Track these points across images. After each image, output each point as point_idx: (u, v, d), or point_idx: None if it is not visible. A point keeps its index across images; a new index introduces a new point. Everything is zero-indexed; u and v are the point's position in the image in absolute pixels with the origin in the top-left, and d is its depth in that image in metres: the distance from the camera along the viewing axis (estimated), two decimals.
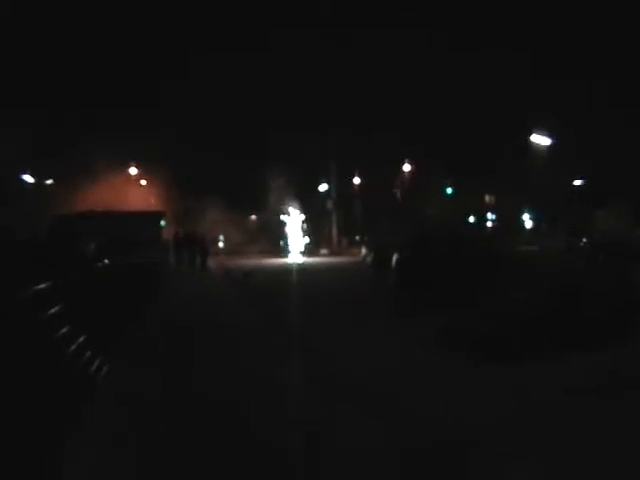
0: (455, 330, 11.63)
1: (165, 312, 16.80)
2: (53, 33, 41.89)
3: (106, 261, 15.42)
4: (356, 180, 57.51)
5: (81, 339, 9.01)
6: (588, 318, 10.78)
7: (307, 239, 52.59)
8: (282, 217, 53.35)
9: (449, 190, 53.67)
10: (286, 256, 48.87)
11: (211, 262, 38.82)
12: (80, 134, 41.25)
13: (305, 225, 53.26)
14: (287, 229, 52.59)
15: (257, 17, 47.23)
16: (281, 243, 52.47)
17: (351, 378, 9.22)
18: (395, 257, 26.93)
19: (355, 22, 45.61)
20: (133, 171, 52.17)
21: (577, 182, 43.03)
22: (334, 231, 55.57)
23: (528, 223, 45.96)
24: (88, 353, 9.08)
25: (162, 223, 33.21)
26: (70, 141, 41.11)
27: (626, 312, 11.09)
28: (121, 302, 12.64)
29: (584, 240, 30.18)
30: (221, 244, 55.92)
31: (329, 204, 56.05)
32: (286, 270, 34.37)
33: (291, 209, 53.30)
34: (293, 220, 52.91)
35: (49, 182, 48.52)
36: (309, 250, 51.27)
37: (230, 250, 53.23)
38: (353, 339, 12.27)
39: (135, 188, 50.37)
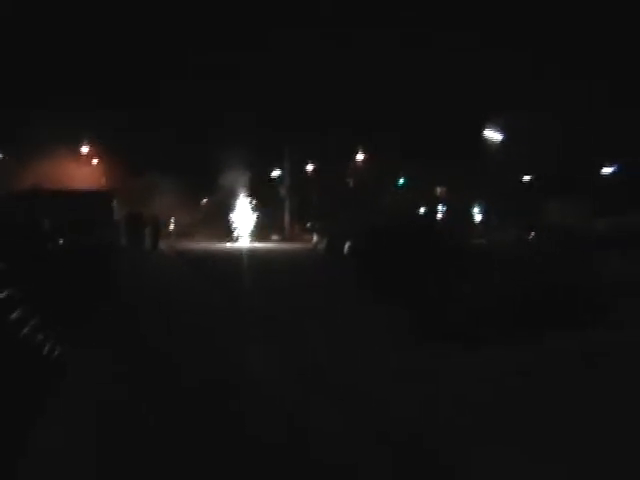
0: (415, 318, 11.87)
1: (123, 292, 16.72)
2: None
3: (61, 241, 15.31)
4: (309, 167, 57.55)
5: (37, 320, 8.96)
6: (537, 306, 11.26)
7: (258, 224, 52.50)
8: (233, 201, 53.13)
9: (401, 180, 54.12)
10: (236, 240, 48.85)
11: (161, 244, 38.64)
12: (32, 111, 40.44)
13: (256, 210, 53.16)
14: (237, 213, 52.42)
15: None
16: (231, 227, 52.25)
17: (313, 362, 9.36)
18: (347, 245, 27.31)
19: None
20: (85, 149, 51.31)
21: (527, 177, 43.86)
22: (287, 217, 55.51)
23: (478, 216, 46.60)
24: (44, 335, 9.03)
25: (113, 203, 32.85)
26: (22, 118, 40.29)
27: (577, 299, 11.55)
28: (79, 280, 12.56)
29: (532, 233, 30.86)
30: (172, 226, 55.48)
31: (282, 190, 55.96)
32: (236, 255, 34.41)
33: (242, 193, 53.17)
34: (244, 205, 52.77)
35: None
36: (260, 235, 51.22)
37: (180, 232, 52.94)
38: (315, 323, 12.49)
39: (86, 167, 49.65)
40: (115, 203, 35.97)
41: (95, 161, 52.05)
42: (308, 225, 52.74)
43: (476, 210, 47.36)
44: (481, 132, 41.84)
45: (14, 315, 8.72)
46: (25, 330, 8.79)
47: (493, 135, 41.48)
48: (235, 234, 50.47)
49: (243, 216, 51.87)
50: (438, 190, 53.49)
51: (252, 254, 35.07)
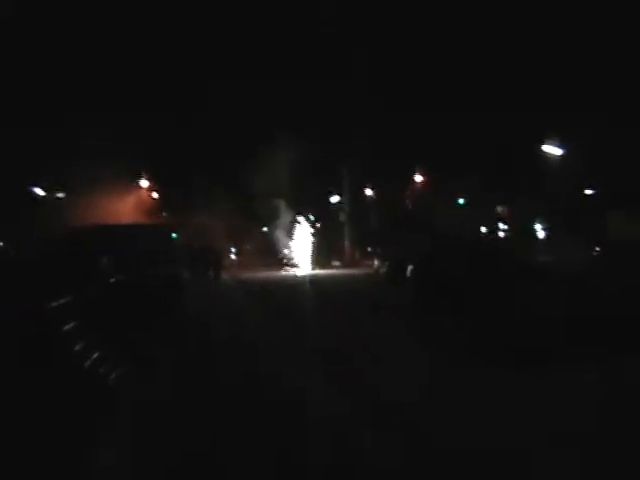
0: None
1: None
2: (66, 46, 41.54)
3: (119, 276, 15.42)
4: (368, 191, 57.32)
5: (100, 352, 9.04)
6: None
7: (317, 251, 52.32)
8: (292, 229, 53.13)
9: (461, 200, 53.43)
10: (298, 268, 48.81)
11: (223, 274, 38.87)
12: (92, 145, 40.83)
13: (316, 237, 53.07)
14: (297, 240, 52.37)
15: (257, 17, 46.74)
16: (291, 255, 52.20)
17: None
18: (410, 268, 26.88)
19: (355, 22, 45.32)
20: (144, 183, 51.80)
21: (589, 191, 42.87)
22: (346, 243, 55.30)
23: (541, 233, 45.65)
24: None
25: (174, 236, 33.05)
26: (78, 151, 40.76)
27: None
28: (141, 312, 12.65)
29: (597, 249, 29.95)
30: (233, 256, 55.84)
31: (342, 216, 55.81)
32: (298, 282, 34.45)
33: (302, 221, 53.17)
34: (303, 232, 52.73)
35: (60, 195, 48.38)
36: (320, 262, 51.07)
37: (241, 262, 53.24)
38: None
39: (146, 200, 50.12)
40: (175, 235, 36.25)
41: (155, 195, 52.60)
42: (369, 250, 52.44)
43: (538, 227, 46.44)
44: (539, 146, 41.03)
45: (78, 346, 8.85)
46: (88, 362, 8.92)
47: (552, 149, 40.63)
48: (296, 261, 50.43)
49: (303, 243, 51.82)
50: (499, 208, 52.67)
51: (313, 281, 35.03)
